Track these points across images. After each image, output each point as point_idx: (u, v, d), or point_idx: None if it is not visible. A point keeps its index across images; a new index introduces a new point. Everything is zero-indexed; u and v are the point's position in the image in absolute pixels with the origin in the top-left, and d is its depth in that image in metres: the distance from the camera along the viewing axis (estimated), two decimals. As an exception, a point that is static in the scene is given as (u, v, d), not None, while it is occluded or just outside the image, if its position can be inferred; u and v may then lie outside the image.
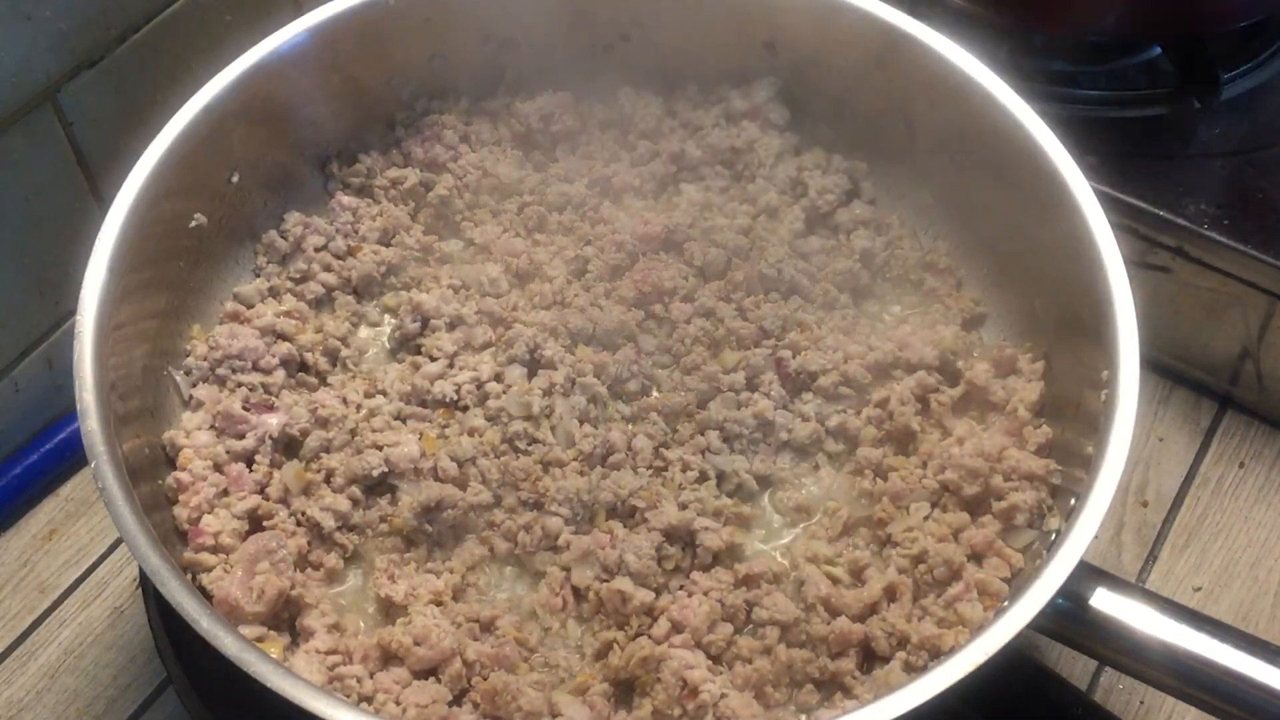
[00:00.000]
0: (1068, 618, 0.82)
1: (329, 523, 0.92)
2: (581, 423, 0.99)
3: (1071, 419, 0.93)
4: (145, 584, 1.00)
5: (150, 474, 0.92)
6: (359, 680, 0.85)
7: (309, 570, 0.91)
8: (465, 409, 0.99)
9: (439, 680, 0.86)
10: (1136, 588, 0.85)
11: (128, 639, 1.07)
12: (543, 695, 0.84)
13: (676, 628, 0.87)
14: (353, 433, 0.97)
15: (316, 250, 1.08)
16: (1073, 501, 0.85)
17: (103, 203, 0.94)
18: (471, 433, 0.97)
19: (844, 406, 1.00)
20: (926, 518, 0.93)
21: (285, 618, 0.89)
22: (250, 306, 1.05)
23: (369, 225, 1.10)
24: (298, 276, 1.07)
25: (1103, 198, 0.94)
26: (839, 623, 0.87)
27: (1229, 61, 1.20)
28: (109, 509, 0.81)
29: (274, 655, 0.83)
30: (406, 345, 1.05)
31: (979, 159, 1.03)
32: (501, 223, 1.12)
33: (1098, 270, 0.91)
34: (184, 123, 0.99)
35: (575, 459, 0.97)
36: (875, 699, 0.76)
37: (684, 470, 0.97)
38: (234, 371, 1.00)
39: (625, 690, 0.86)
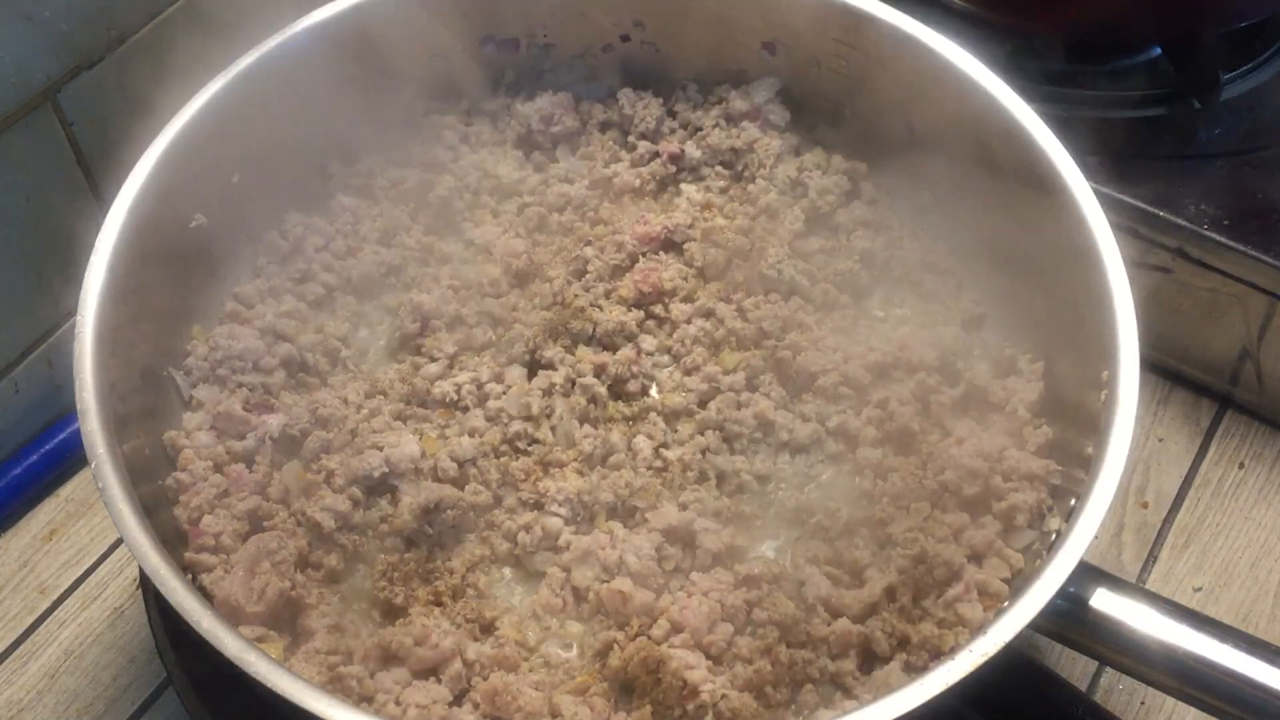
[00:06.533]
0: (1068, 618, 0.82)
1: (329, 523, 0.92)
2: (581, 423, 0.99)
3: (1071, 419, 0.93)
4: (145, 584, 1.00)
5: (150, 474, 0.92)
6: (359, 680, 0.85)
7: (309, 570, 0.91)
8: (465, 409, 0.99)
9: (439, 680, 0.86)
10: (1136, 588, 0.85)
11: (128, 639, 1.07)
12: (543, 695, 0.84)
13: (676, 628, 0.87)
14: (353, 433, 0.97)
15: (316, 250, 1.08)
16: (1073, 502, 0.85)
17: (103, 203, 0.94)
18: (471, 433, 0.97)
19: (844, 407, 1.00)
20: (926, 518, 0.93)
21: (285, 618, 0.89)
22: (250, 307, 1.05)
23: (369, 225, 1.10)
24: (298, 276, 1.07)
25: (1103, 198, 0.95)
26: (839, 623, 0.87)
27: (1229, 62, 1.20)
28: (109, 509, 0.81)
29: (274, 655, 0.83)
30: (406, 345, 1.05)
31: (979, 160, 1.02)
32: (501, 223, 1.12)
33: (1098, 270, 0.91)
34: (184, 123, 0.99)
35: (575, 459, 0.97)
36: (875, 699, 0.76)
37: (684, 470, 0.97)
38: (234, 372, 1.00)
39: (625, 690, 0.86)
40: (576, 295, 1.05)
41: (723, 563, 0.92)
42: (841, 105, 1.13)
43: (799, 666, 0.86)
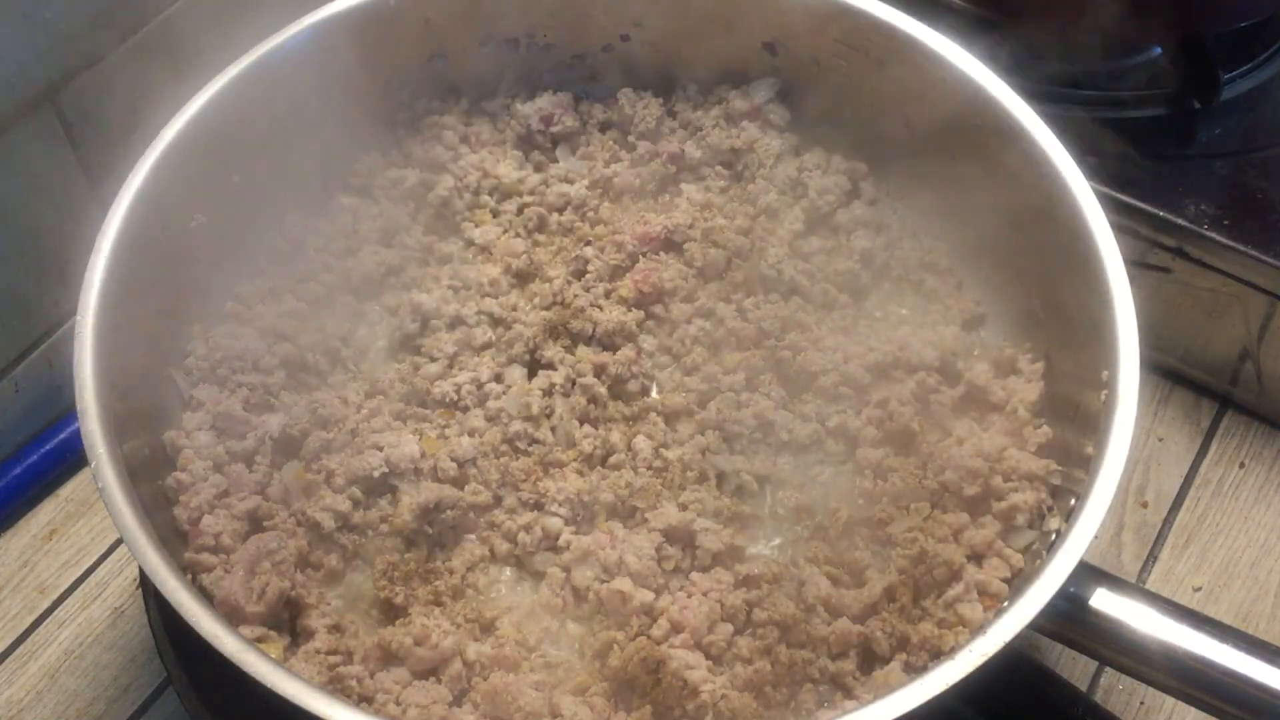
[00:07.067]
0: (1068, 618, 0.82)
1: (329, 523, 0.92)
2: (581, 423, 0.99)
3: (1071, 419, 0.93)
4: (145, 584, 1.00)
5: (150, 474, 0.92)
6: (359, 680, 0.85)
7: (309, 570, 0.91)
8: (465, 409, 0.99)
9: (439, 680, 0.86)
10: (1136, 588, 0.85)
11: (128, 639, 1.07)
12: (543, 695, 0.84)
13: (676, 628, 0.87)
14: (353, 433, 0.97)
15: (316, 250, 1.08)
16: (1073, 502, 0.85)
17: (103, 203, 0.94)
18: (471, 433, 0.97)
19: (844, 407, 1.00)
20: (926, 518, 0.93)
21: (285, 618, 0.89)
22: (250, 307, 1.05)
23: (369, 225, 1.10)
24: (298, 276, 1.07)
25: (1103, 198, 0.95)
26: (839, 623, 0.87)
27: (1229, 62, 1.20)
28: (109, 509, 0.81)
29: (274, 655, 0.83)
30: (406, 345, 1.05)
31: (979, 159, 1.03)
32: (501, 223, 1.12)
33: (1098, 270, 0.91)
34: (184, 122, 0.99)
35: (575, 459, 0.97)
36: (875, 699, 0.76)
37: (684, 470, 0.97)
38: (234, 372, 0.99)
39: (625, 690, 0.86)
40: (576, 295, 1.05)
41: (723, 563, 0.92)
42: (841, 105, 1.13)
43: (799, 666, 0.86)
